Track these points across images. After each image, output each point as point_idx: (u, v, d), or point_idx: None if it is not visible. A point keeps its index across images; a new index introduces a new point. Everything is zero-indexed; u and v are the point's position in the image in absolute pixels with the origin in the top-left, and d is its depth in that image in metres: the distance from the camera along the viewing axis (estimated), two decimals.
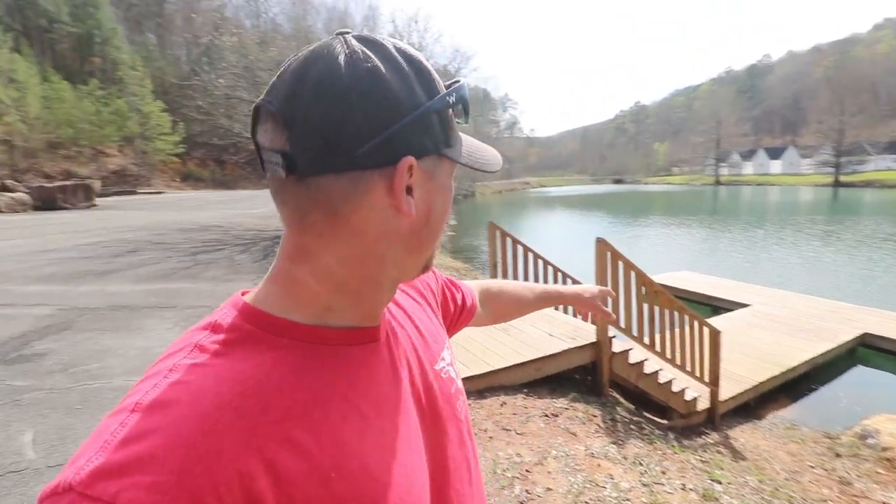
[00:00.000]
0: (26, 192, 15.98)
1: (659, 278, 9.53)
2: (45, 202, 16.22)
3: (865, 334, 6.40)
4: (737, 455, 3.77)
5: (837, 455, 3.98)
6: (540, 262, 5.32)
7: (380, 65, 0.39)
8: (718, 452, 3.66)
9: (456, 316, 0.76)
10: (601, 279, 4.06)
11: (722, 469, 3.12)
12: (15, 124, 30.69)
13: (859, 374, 6.01)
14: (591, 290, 0.99)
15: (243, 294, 0.44)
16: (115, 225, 11.98)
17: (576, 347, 3.95)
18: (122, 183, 33.55)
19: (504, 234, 5.54)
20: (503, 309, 0.92)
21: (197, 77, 13.42)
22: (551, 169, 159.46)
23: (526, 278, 5.34)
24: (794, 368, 5.43)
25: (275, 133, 0.39)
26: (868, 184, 56.73)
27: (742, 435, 4.29)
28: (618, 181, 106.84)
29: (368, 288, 0.44)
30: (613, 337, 4.11)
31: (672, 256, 14.32)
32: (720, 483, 2.78)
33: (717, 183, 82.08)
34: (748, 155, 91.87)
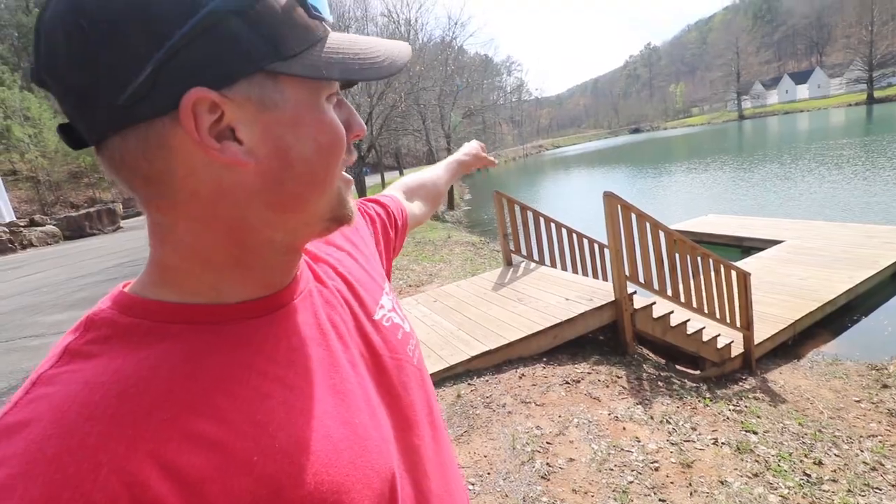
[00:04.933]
0: (55, 224, 16.63)
1: (685, 225, 9.21)
2: (74, 231, 16.86)
3: None
4: (776, 398, 3.61)
5: (885, 386, 3.76)
6: (553, 225, 5.16)
7: None
8: (755, 398, 3.51)
9: (397, 230, 0.73)
10: (614, 234, 3.89)
11: (759, 417, 2.98)
12: (36, 160, 31.89)
13: None
14: (472, 145, 1.02)
15: (125, 286, 0.38)
16: (139, 245, 12.35)
17: (594, 309, 3.82)
18: None
19: (511, 202, 5.39)
20: (431, 196, 0.91)
21: None
22: (564, 128, 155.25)
23: (539, 244, 5.21)
24: (832, 301, 5.14)
25: (55, 101, 0.32)
26: None
27: (781, 377, 4.11)
28: (635, 130, 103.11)
29: (247, 257, 0.37)
30: (634, 293, 3.96)
31: (698, 201, 13.77)
32: (756, 433, 2.64)
33: (741, 118, 78.13)
34: (772, 84, 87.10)
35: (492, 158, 1.03)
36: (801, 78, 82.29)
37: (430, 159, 24.70)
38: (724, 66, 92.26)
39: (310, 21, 0.34)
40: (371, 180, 21.87)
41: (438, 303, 4.53)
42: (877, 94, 58.09)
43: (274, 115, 0.33)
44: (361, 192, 14.94)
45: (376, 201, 0.74)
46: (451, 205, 19.79)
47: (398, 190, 0.84)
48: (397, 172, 32.65)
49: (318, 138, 0.35)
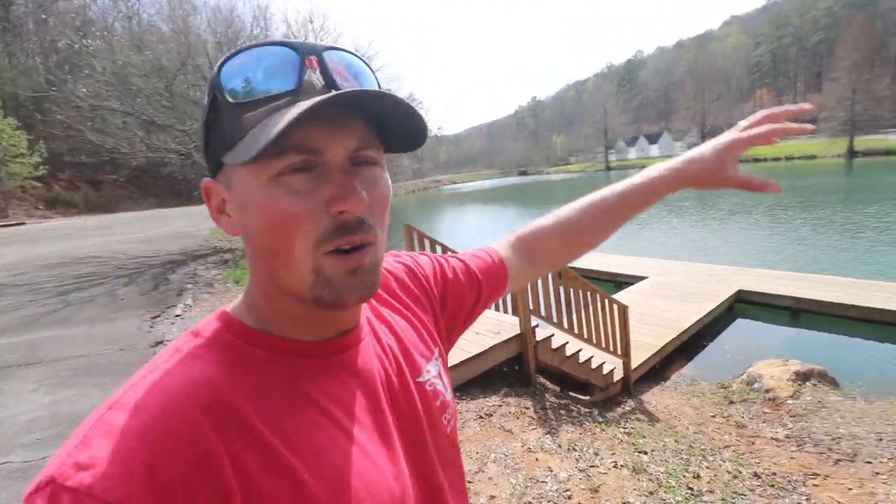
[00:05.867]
0: None
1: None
2: None
3: (740, 291, 7.34)
4: (652, 418, 4.09)
5: (731, 402, 4.49)
6: None
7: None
8: (637, 420, 3.93)
9: (480, 292, 0.66)
10: None
11: (644, 437, 3.35)
12: None
13: (740, 327, 6.88)
14: (717, 146, 0.64)
15: (227, 307, 0.46)
16: None
17: (501, 342, 4.00)
18: None
19: (421, 236, 5.47)
20: (554, 242, 0.71)
21: (54, 88, 11.77)
22: (461, 165, 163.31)
23: None
24: (687, 330, 6.06)
25: None
26: None
27: (653, 398, 4.67)
28: (523, 173, 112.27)
29: (283, 306, 0.43)
30: (536, 326, 4.24)
31: None
32: (646, 453, 2.97)
33: (608, 168, 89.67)
34: (631, 142, 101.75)
35: (772, 182, 0.61)
36: (653, 139, 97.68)
37: None
38: (595, 123, 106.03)
39: (247, 108, 0.39)
40: None
41: None
42: None
43: (234, 196, 0.41)
44: None
45: (459, 259, 0.68)
46: None
47: (511, 237, 0.73)
48: None
49: (261, 218, 0.39)
